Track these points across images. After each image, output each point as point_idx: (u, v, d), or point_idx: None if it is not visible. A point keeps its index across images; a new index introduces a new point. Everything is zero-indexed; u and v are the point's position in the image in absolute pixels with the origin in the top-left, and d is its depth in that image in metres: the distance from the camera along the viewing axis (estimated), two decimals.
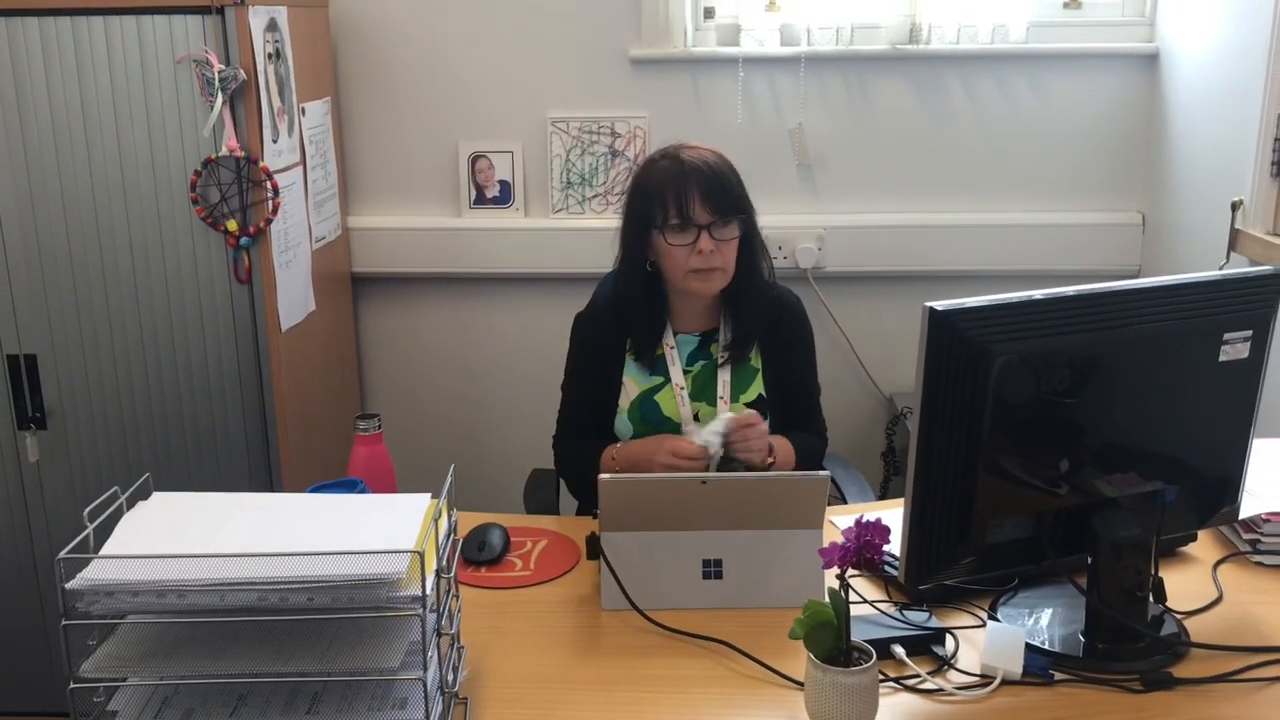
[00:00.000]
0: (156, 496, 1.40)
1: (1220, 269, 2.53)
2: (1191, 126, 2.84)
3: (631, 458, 2.08)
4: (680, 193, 2.05)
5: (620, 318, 2.18)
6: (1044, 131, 3.07)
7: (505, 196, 3.14)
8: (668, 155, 2.12)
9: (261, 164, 2.47)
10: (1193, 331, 1.54)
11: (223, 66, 2.39)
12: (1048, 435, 1.51)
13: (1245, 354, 1.55)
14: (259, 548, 1.24)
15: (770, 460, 2.06)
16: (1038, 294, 1.47)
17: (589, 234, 3.04)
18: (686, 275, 2.08)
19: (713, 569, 1.72)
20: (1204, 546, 1.87)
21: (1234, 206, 2.51)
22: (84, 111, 2.45)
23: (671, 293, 2.16)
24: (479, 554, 1.86)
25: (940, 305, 1.41)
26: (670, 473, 1.95)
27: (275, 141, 2.55)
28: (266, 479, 2.63)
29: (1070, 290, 1.48)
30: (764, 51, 3.00)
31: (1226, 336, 1.54)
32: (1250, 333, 1.54)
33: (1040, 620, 1.65)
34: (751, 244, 2.14)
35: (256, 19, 2.45)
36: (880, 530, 1.34)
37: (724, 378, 2.15)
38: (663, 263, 2.11)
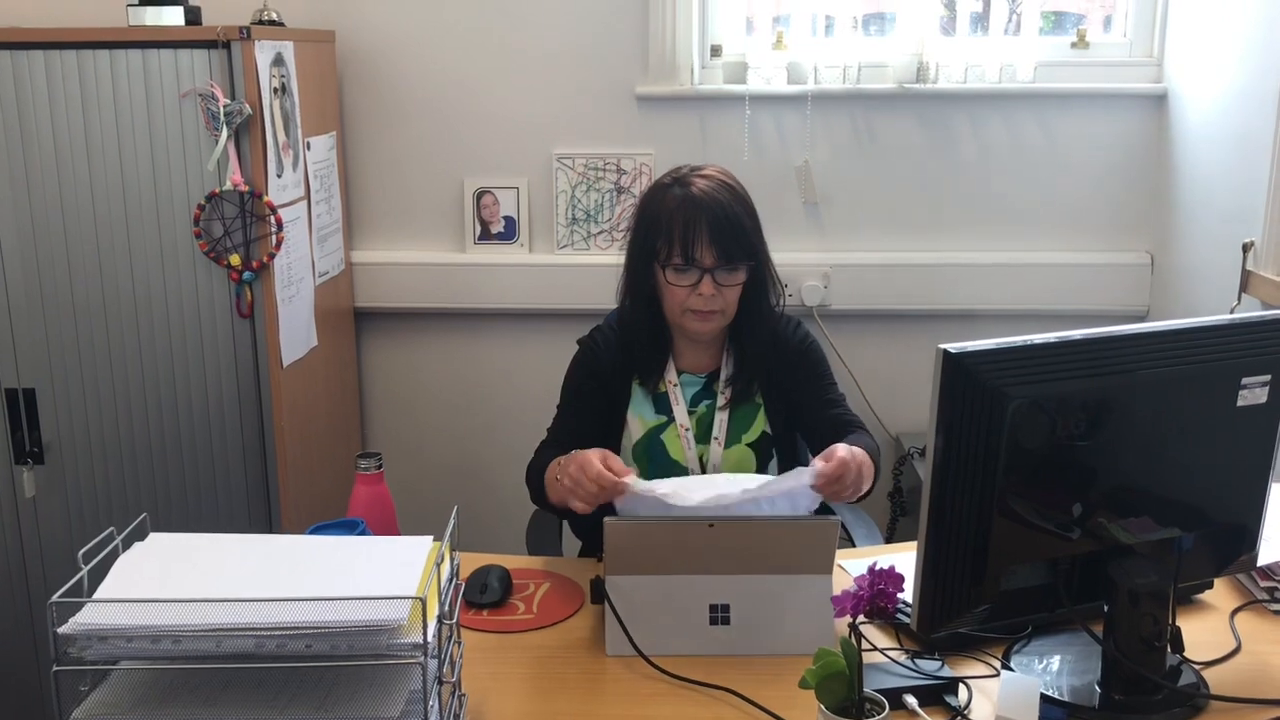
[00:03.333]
0: (153, 537, 1.37)
1: (1231, 311, 2.51)
2: (1200, 167, 2.83)
3: (565, 468, 1.86)
4: (688, 230, 1.98)
5: (624, 347, 2.13)
6: (1052, 171, 3.06)
7: (510, 232, 3.13)
8: (679, 181, 2.03)
9: (265, 198, 2.46)
10: (1210, 375, 1.51)
11: (228, 100, 2.39)
12: (1063, 480, 1.48)
13: (1264, 399, 1.53)
14: (257, 592, 1.21)
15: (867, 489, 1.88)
16: (1053, 336, 1.45)
17: (594, 270, 3.03)
18: (684, 313, 2.04)
19: (720, 614, 1.68)
20: (1219, 594, 1.84)
21: (1245, 248, 2.49)
22: (88, 144, 2.44)
23: (674, 326, 2.11)
24: (480, 596, 1.82)
25: (954, 348, 1.38)
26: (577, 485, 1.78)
27: (280, 176, 2.54)
28: (266, 515, 2.60)
29: (1087, 333, 1.46)
30: (770, 89, 2.99)
31: (1245, 381, 1.51)
32: (1269, 377, 1.52)
33: (1054, 669, 1.61)
34: (761, 281, 2.08)
35: (262, 53, 2.45)
36: (895, 579, 1.31)
37: (721, 419, 2.10)
38: (662, 296, 2.07)
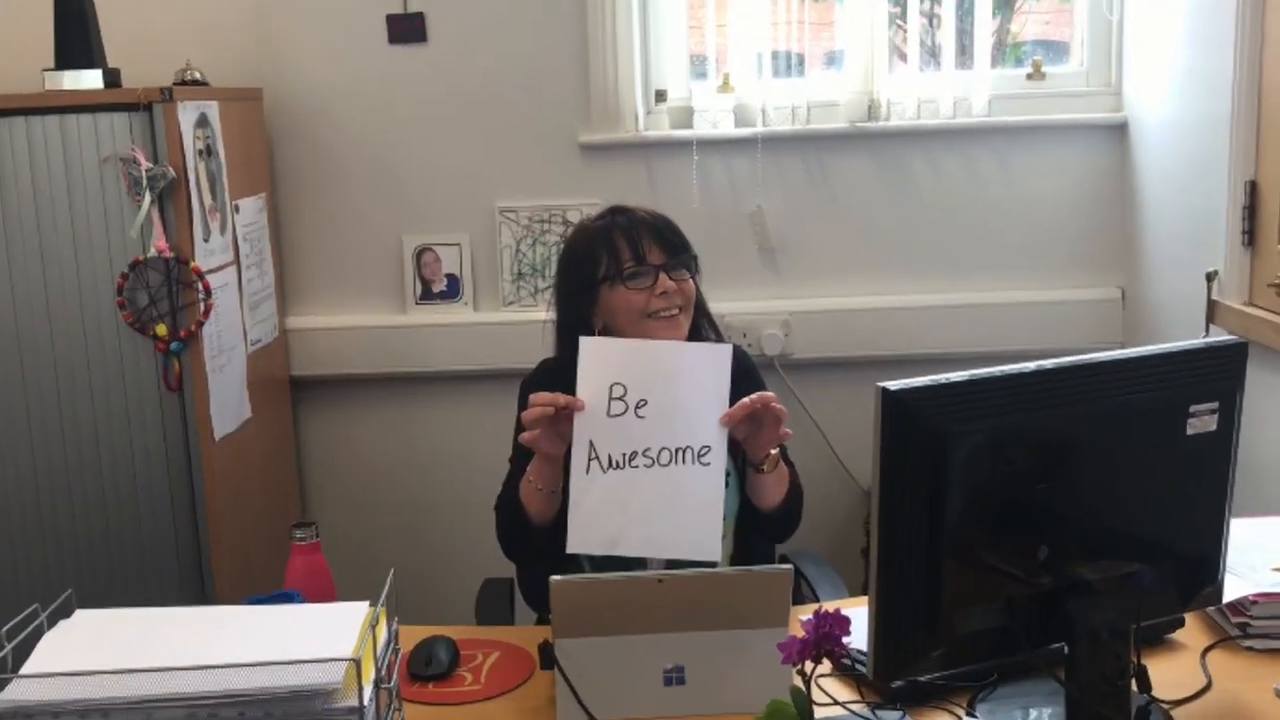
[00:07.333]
0: (79, 614, 1.44)
1: None
2: (1164, 197, 2.96)
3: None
4: (632, 238, 2.16)
5: (567, 381, 2.22)
6: (1014, 207, 3.18)
7: (453, 290, 3.22)
8: (604, 214, 2.24)
9: (192, 264, 2.54)
10: (1158, 405, 1.60)
11: (150, 164, 2.47)
12: (1014, 518, 1.57)
13: (1213, 426, 1.62)
14: (187, 661, 1.27)
15: (774, 452, 2.08)
16: (996, 371, 1.54)
17: (543, 327, 3.10)
18: (646, 320, 2.15)
19: (675, 675, 1.75)
20: (1192, 632, 1.91)
21: (1209, 278, 2.60)
22: (4, 214, 2.52)
23: None
24: (425, 669, 1.87)
25: (893, 385, 1.48)
26: (537, 423, 1.99)
27: (207, 241, 2.62)
28: (200, 597, 2.64)
29: (1028, 366, 1.55)
30: (718, 133, 3.11)
31: (1193, 409, 1.61)
32: (1217, 404, 1.62)
33: (1020, 716, 1.69)
34: (701, 304, 2.24)
35: (186, 115, 2.54)
36: (840, 621, 1.38)
37: None
38: (617, 317, 2.17)
